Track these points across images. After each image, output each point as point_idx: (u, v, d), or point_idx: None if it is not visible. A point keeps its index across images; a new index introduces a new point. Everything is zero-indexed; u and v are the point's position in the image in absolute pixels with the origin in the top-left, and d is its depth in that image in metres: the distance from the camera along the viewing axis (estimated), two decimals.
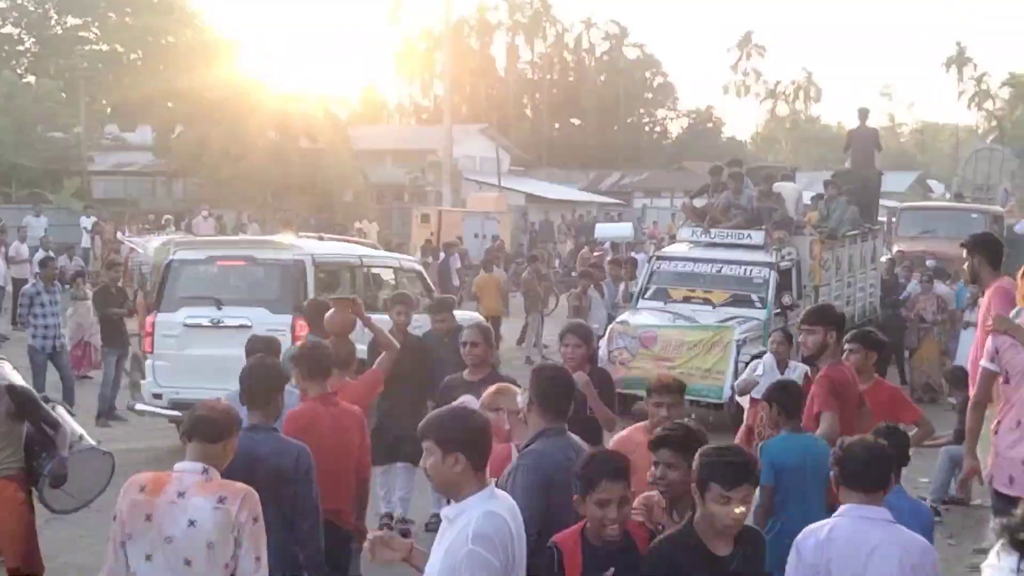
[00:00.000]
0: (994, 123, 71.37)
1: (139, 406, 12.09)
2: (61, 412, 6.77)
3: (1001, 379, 6.43)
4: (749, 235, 15.14)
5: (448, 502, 4.23)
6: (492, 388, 5.73)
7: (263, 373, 5.50)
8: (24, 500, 6.58)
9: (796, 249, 15.38)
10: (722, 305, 14.51)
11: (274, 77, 46.56)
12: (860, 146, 19.50)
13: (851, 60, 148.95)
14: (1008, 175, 33.18)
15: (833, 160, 37.89)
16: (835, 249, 16.48)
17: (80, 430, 6.85)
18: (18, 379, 6.75)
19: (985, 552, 3.67)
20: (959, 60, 76.24)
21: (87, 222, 30.57)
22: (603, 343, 14.25)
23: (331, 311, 7.60)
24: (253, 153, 39.77)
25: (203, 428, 4.53)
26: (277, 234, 17.39)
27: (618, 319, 14.67)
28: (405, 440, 7.82)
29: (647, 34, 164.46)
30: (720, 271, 14.93)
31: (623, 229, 35.19)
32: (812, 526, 4.49)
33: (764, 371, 9.71)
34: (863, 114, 20.19)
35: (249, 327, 10.36)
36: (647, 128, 77.77)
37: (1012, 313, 6.48)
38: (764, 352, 13.34)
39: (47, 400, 6.88)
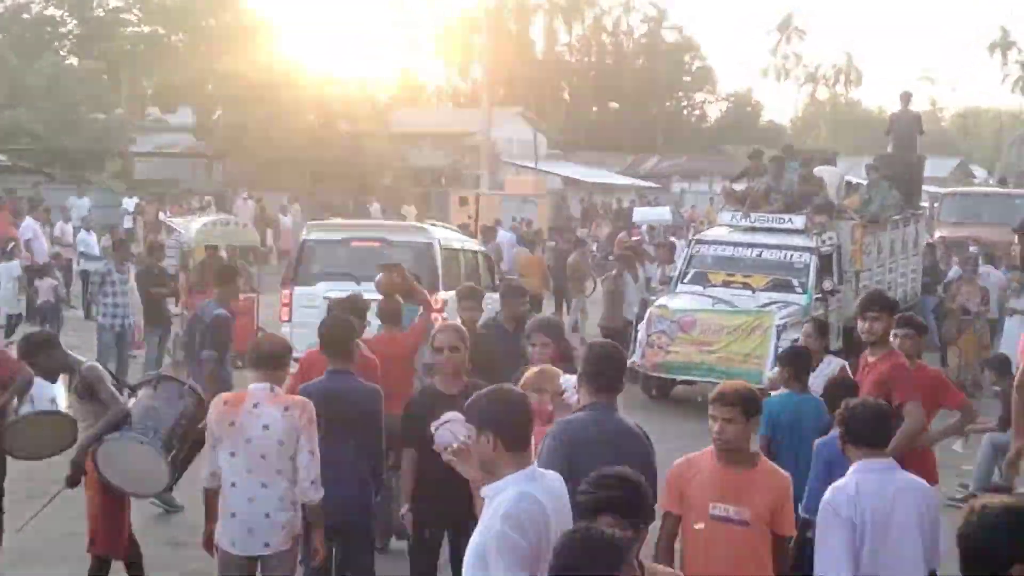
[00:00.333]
0: None
1: None
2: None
3: None
4: (790, 219, 15.08)
5: None
6: (536, 369, 5.77)
7: (338, 326, 6.57)
8: (97, 479, 6.57)
9: (837, 234, 15.29)
10: (762, 290, 14.47)
11: (313, 60, 46.71)
12: (902, 130, 19.36)
13: (893, 44, 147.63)
14: None
15: (873, 144, 37.55)
16: (876, 234, 16.37)
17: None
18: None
19: None
20: (1003, 44, 75.31)
21: (130, 203, 30.91)
22: (642, 327, 14.26)
23: (379, 275, 8.79)
24: (292, 136, 39.95)
25: (264, 359, 5.84)
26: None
27: (657, 303, 14.66)
28: None
29: (686, 17, 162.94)
30: (760, 255, 14.87)
31: (661, 213, 35.10)
32: (836, 485, 4.98)
33: None
34: (905, 98, 20.02)
35: None
36: (685, 112, 77.35)
37: None
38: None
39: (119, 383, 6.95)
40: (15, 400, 6.78)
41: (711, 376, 12.76)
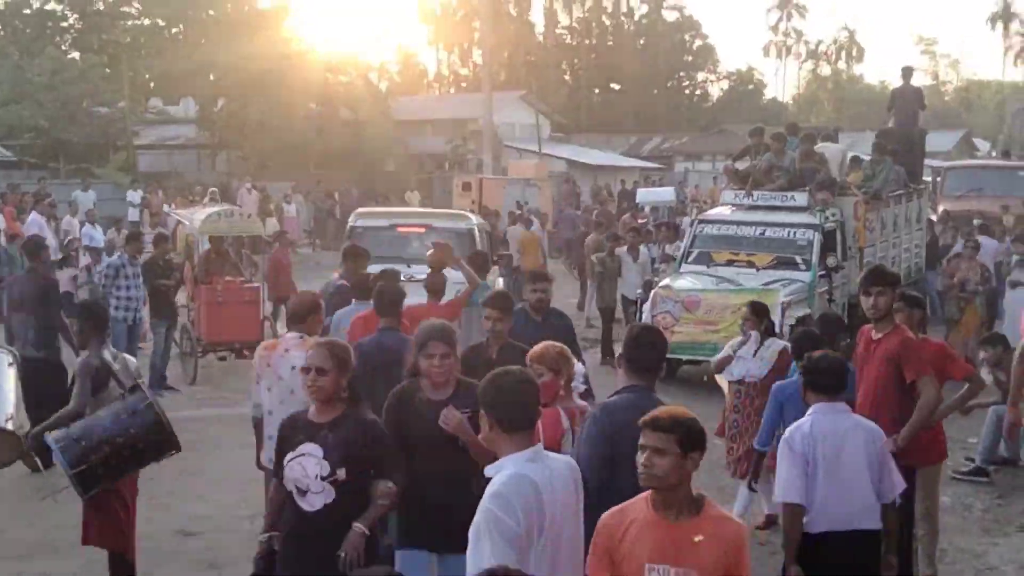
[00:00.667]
0: None
1: None
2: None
3: None
4: (792, 197, 15.08)
5: None
6: (557, 348, 5.83)
7: (390, 291, 7.55)
8: None
9: (840, 210, 15.29)
10: (765, 268, 14.49)
11: (314, 49, 46.65)
12: (904, 105, 19.31)
13: (894, 18, 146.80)
14: None
15: (876, 120, 37.47)
16: (880, 210, 16.36)
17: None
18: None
19: None
20: (1004, 16, 75.03)
21: (135, 196, 30.97)
22: (646, 307, 14.29)
23: (431, 251, 9.93)
24: (295, 125, 39.97)
25: (295, 313, 7.12)
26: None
27: (661, 283, 14.69)
28: None
29: None
30: (763, 234, 14.89)
31: (665, 194, 35.05)
32: (794, 425, 5.70)
33: (735, 349, 8.92)
34: (907, 73, 19.96)
35: None
36: (687, 91, 77.16)
37: None
38: (809, 315, 13.39)
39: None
40: None
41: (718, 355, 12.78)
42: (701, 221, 15.89)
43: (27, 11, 45.12)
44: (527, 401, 4.18)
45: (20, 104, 36.84)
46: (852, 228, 15.46)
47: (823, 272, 14.45)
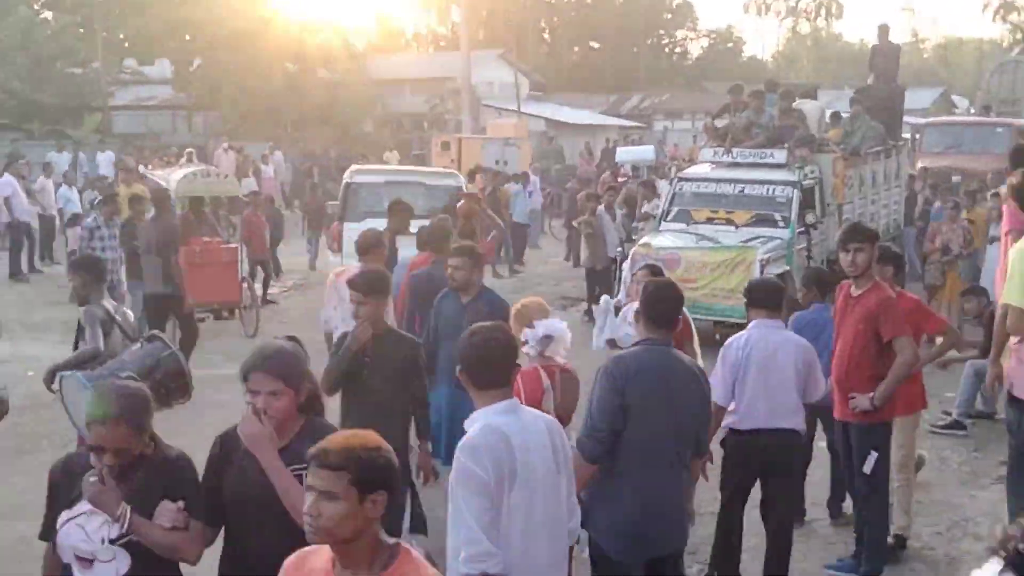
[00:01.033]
0: (1019, 35, 70.01)
1: None
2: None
3: None
4: (771, 154, 15.08)
5: None
6: (535, 301, 6.32)
7: (437, 227, 8.83)
8: None
9: (819, 167, 15.30)
10: (745, 225, 14.51)
11: (290, 7, 46.21)
12: (883, 62, 19.29)
13: None
14: None
15: (856, 77, 37.39)
16: (858, 166, 16.38)
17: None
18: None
19: None
20: None
21: (104, 158, 30.69)
22: (626, 266, 14.28)
23: (461, 202, 11.10)
24: (271, 85, 39.63)
25: (359, 248, 8.15)
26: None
27: (640, 241, 14.69)
28: None
29: None
30: (742, 191, 14.90)
31: (644, 152, 34.94)
32: (732, 338, 6.61)
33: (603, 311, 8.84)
34: (884, 30, 19.94)
35: None
36: (667, 49, 76.87)
37: None
38: (788, 271, 13.42)
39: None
40: None
41: (696, 313, 12.79)
42: (680, 179, 15.87)
43: None
44: (500, 357, 4.18)
45: None
46: (831, 185, 15.48)
47: (802, 229, 14.48)
